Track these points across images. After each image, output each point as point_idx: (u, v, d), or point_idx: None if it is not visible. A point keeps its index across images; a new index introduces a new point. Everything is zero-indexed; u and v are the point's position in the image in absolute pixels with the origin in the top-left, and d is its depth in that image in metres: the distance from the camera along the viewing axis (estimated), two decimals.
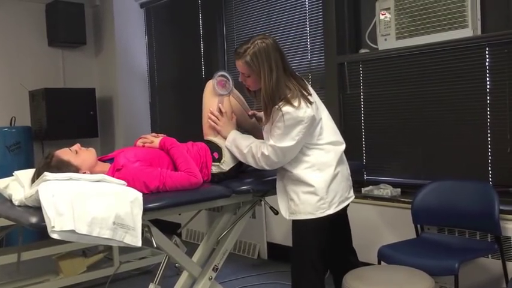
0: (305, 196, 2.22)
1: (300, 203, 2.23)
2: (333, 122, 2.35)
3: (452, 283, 2.41)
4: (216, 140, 2.41)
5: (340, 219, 2.36)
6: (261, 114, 2.55)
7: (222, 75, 2.47)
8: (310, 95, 2.19)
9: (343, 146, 2.33)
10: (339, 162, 2.27)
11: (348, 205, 2.35)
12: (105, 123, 5.58)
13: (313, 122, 2.17)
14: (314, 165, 2.22)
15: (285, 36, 3.97)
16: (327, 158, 2.24)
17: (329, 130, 2.28)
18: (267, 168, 2.24)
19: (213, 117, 2.42)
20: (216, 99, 2.45)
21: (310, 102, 2.15)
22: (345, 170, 2.34)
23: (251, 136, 2.40)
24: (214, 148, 2.38)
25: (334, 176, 2.24)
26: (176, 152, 2.27)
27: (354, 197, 2.40)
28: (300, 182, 2.23)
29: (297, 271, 2.31)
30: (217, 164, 2.36)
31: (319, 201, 2.20)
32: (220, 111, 2.43)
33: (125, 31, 5.43)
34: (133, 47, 5.50)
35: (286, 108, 2.12)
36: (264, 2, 4.17)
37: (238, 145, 2.31)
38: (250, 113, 2.55)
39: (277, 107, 2.14)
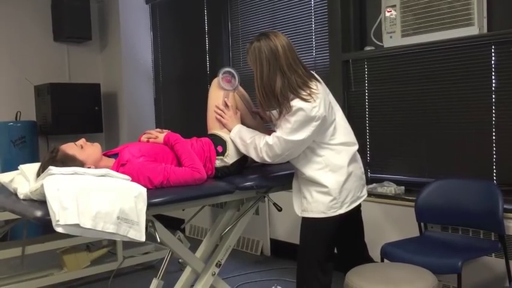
0: (318, 195, 2.23)
1: (312, 202, 2.24)
2: (346, 122, 2.35)
3: (456, 281, 2.40)
4: (221, 133, 2.41)
5: (353, 216, 2.36)
6: (265, 115, 2.56)
7: (228, 72, 2.48)
8: (309, 94, 2.16)
9: (356, 147, 2.33)
10: (352, 163, 2.28)
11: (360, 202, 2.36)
12: (110, 118, 5.59)
13: (324, 122, 2.18)
14: (327, 166, 2.23)
15: (290, 33, 3.97)
16: (339, 158, 2.24)
17: (342, 131, 2.29)
18: (267, 160, 2.24)
19: (218, 110, 2.43)
20: (222, 94, 2.46)
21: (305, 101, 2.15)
22: (358, 169, 2.34)
23: (257, 130, 2.41)
24: (218, 142, 2.38)
25: (348, 177, 2.24)
26: (180, 148, 2.27)
27: (366, 195, 2.40)
28: (313, 182, 2.24)
29: (303, 269, 2.31)
30: (221, 157, 2.36)
31: (332, 201, 2.21)
32: (226, 104, 2.44)
33: (130, 27, 5.43)
34: (139, 43, 5.50)
35: (300, 104, 2.13)
36: None
37: (242, 136, 2.32)
38: (254, 110, 2.56)
39: (291, 103, 2.14)
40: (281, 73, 2.17)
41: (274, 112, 2.25)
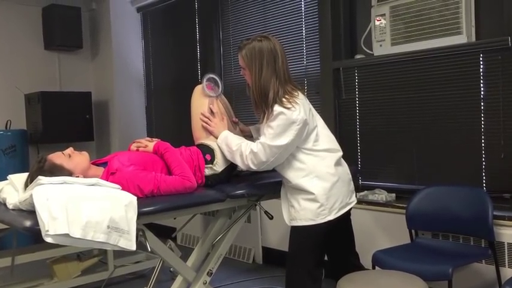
0: (305, 203, 2.23)
1: (300, 209, 2.24)
2: (328, 130, 2.37)
3: None
4: (208, 142, 2.40)
5: (342, 223, 2.36)
6: (244, 127, 2.57)
7: (211, 79, 2.48)
8: (288, 101, 2.18)
9: (340, 153, 2.34)
10: (338, 169, 2.29)
11: (350, 209, 2.36)
12: (101, 127, 5.57)
13: (306, 125, 2.19)
14: (311, 173, 2.23)
15: (281, 41, 3.92)
16: (324, 164, 2.25)
17: (325, 138, 2.31)
18: (252, 167, 2.24)
19: (204, 118, 2.42)
20: (206, 101, 2.45)
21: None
22: (346, 175, 2.35)
23: (243, 137, 2.41)
24: (206, 151, 2.37)
25: (334, 183, 2.25)
26: (170, 156, 2.27)
27: (355, 201, 2.40)
28: (300, 190, 2.24)
29: (292, 277, 2.31)
30: (210, 165, 2.35)
31: (319, 208, 2.21)
32: (211, 112, 2.44)
33: (121, 35, 5.43)
34: (130, 51, 5.50)
35: (281, 109, 2.16)
36: (260, 6, 4.19)
37: (229, 143, 2.32)
38: (234, 120, 2.56)
39: (271, 108, 2.18)
40: (276, 77, 2.19)
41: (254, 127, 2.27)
